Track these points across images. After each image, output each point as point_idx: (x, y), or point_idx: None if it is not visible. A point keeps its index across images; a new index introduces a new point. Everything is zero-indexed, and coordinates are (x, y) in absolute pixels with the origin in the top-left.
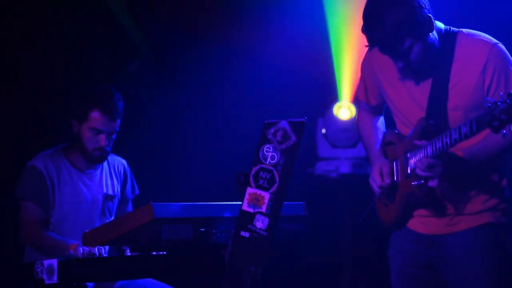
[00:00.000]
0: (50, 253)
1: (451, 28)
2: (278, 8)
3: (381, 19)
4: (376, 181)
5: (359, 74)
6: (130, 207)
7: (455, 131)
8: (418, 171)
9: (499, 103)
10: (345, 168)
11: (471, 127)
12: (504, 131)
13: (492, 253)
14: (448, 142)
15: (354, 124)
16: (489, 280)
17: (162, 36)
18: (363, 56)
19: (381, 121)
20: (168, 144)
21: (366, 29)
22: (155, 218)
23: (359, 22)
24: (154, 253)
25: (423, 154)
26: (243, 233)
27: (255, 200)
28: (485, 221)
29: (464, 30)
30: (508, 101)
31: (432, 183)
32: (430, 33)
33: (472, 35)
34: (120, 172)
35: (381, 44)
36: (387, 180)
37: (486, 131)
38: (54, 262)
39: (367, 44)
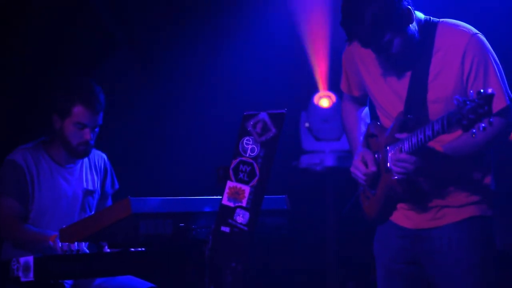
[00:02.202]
0: (29, 246)
1: (431, 18)
2: (253, 5)
3: (359, 13)
4: (360, 169)
5: (332, 62)
6: (109, 202)
7: (429, 127)
8: (392, 166)
9: (467, 102)
10: (329, 161)
11: (443, 124)
12: (474, 130)
13: (479, 247)
14: (422, 138)
15: (335, 112)
16: (476, 274)
17: (141, 29)
18: (334, 44)
19: (365, 111)
20: (147, 138)
21: (345, 24)
22: (133, 213)
23: (330, 11)
24: (133, 249)
25: (399, 149)
26: (223, 228)
27: (235, 194)
28: (470, 215)
29: (444, 20)
30: (476, 100)
31: (399, 177)
32: (410, 25)
33: (452, 25)
34: (101, 166)
35: (361, 38)
36: (373, 168)
37: None
38: (30, 259)
39: (346, 38)
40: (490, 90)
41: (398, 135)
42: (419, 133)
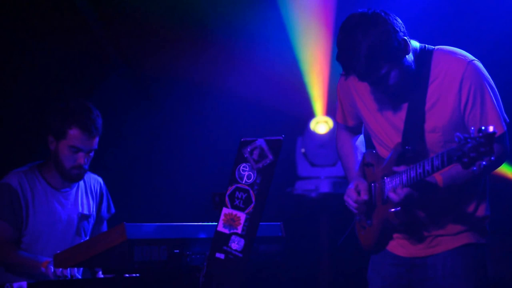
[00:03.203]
0: (21, 272)
1: (427, 46)
2: (250, 30)
3: (355, 47)
4: (351, 197)
5: (330, 87)
6: (105, 226)
7: (428, 162)
8: (392, 197)
9: (469, 140)
10: (325, 187)
11: (443, 160)
12: (474, 168)
13: (473, 274)
14: (422, 172)
15: (332, 139)
16: None
17: (138, 52)
18: (331, 68)
19: (360, 140)
20: (143, 163)
21: (341, 58)
22: (128, 239)
23: (323, 38)
24: (127, 275)
25: (398, 182)
26: (218, 255)
27: (231, 220)
28: (464, 242)
29: (440, 47)
30: (477, 138)
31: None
32: (407, 56)
33: (448, 52)
34: (96, 190)
35: (358, 73)
36: (365, 197)
37: None
38: (24, 284)
39: (342, 72)
40: (491, 129)
41: (396, 168)
42: (418, 168)
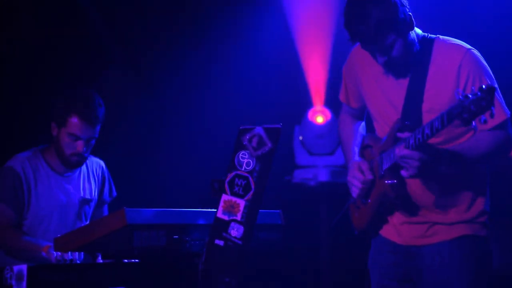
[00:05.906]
0: (22, 255)
1: (428, 34)
2: (249, 19)
3: (365, 14)
4: (358, 177)
5: (328, 77)
6: (106, 210)
7: (427, 126)
8: (399, 153)
9: (470, 95)
10: (323, 176)
11: (442, 120)
12: (474, 123)
13: (471, 266)
14: (420, 138)
15: (330, 128)
16: None
17: (138, 42)
18: (330, 59)
19: (362, 126)
20: (143, 149)
21: (349, 24)
22: (128, 224)
23: (325, 25)
24: (126, 260)
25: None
26: (217, 242)
27: (230, 207)
28: (461, 234)
29: (440, 36)
30: (478, 93)
31: (405, 173)
32: (411, 32)
33: (448, 41)
34: (98, 174)
35: (364, 38)
36: (369, 176)
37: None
38: (24, 268)
39: (349, 38)
40: (491, 85)
41: (401, 135)
42: (417, 133)
